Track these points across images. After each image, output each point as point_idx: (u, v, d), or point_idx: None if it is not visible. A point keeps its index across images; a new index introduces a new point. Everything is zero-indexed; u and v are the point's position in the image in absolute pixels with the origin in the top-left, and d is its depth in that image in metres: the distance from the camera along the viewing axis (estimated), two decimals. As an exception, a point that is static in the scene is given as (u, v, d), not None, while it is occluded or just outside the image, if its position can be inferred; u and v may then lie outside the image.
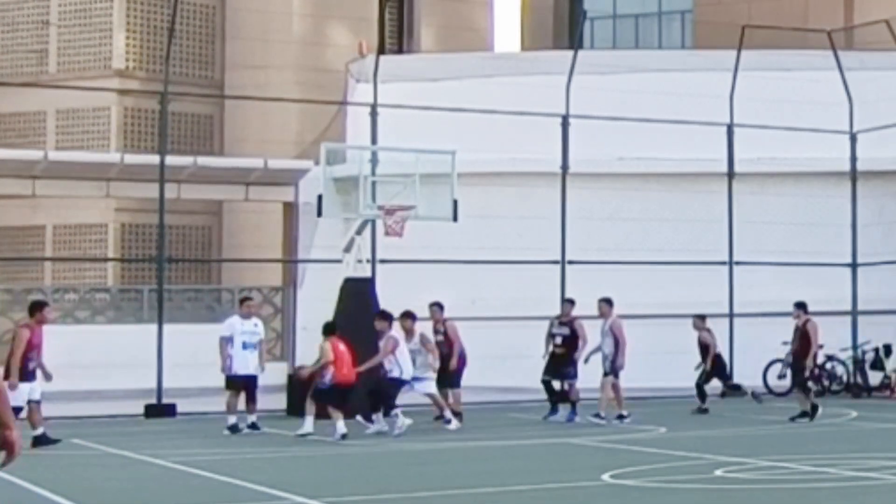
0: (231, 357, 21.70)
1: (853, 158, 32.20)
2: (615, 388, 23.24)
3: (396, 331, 21.87)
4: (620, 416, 23.08)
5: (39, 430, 19.55)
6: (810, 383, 24.67)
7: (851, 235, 32.02)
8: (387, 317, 22.17)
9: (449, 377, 23.49)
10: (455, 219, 25.08)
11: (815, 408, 23.04)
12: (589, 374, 23.95)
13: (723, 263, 30.90)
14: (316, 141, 30.43)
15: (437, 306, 23.98)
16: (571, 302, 24.39)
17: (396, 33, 45.13)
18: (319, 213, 25.10)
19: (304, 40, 41.55)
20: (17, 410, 18.93)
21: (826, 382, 29.80)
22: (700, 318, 25.54)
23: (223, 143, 41.25)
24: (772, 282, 31.17)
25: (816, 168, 32.42)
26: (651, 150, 31.28)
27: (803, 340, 23.27)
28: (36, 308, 19.86)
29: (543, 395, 27.15)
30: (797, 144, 31.69)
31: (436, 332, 23.74)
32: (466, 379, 24.23)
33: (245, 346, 21.81)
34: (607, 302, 23.62)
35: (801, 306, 23.56)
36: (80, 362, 22.57)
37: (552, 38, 49.43)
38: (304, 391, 22.09)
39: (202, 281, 38.73)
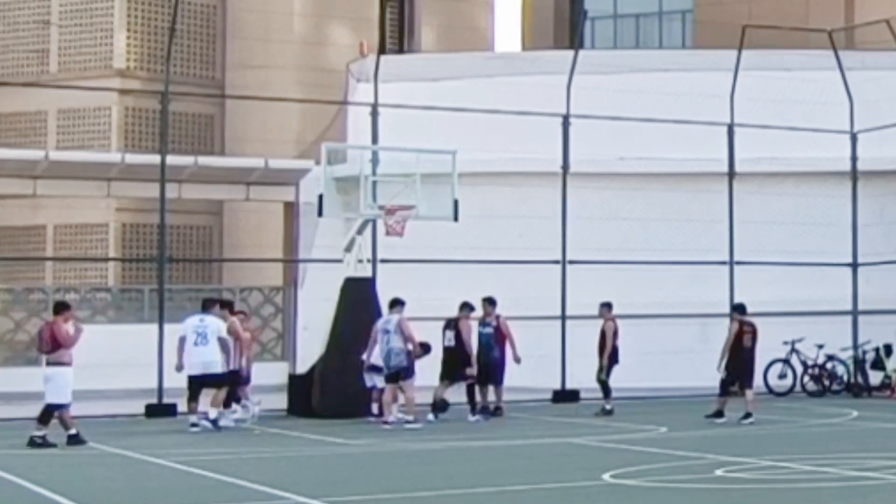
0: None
1: (854, 158, 32.19)
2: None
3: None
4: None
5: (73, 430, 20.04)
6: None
7: (852, 235, 32.00)
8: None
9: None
10: (456, 219, 25.09)
11: (719, 413, 22.89)
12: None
13: (723, 263, 30.88)
14: (317, 141, 30.46)
15: (488, 302, 24.73)
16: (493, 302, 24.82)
17: (397, 33, 45.14)
18: (320, 213, 25.11)
19: (304, 40, 41.58)
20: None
21: (827, 382, 29.80)
22: None
23: (224, 142, 41.29)
24: (772, 282, 31.15)
25: (817, 168, 32.41)
26: (652, 149, 31.27)
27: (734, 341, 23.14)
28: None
29: (543, 395, 27.28)
30: (798, 144, 31.67)
31: (484, 325, 24.57)
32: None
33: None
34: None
35: (737, 309, 23.56)
36: (80, 362, 22.46)
37: (553, 38, 49.43)
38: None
39: (203, 281, 38.76)
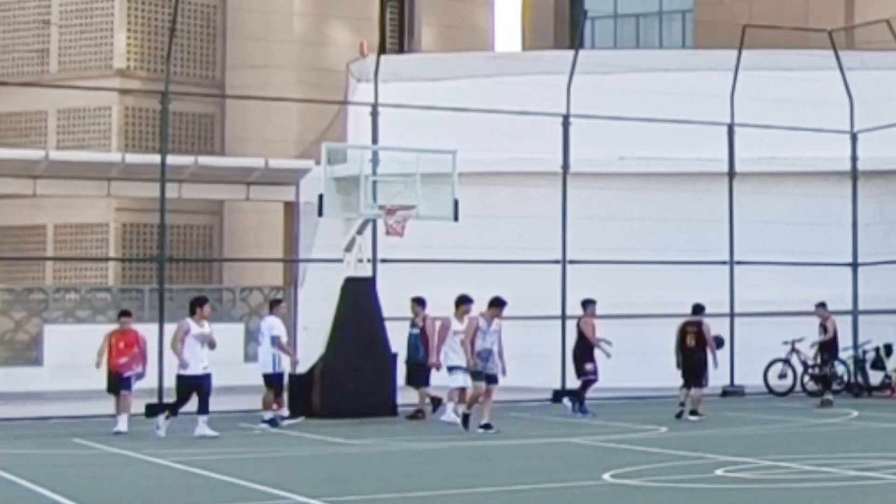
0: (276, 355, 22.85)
1: (854, 158, 32.20)
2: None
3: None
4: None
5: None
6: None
7: (852, 235, 32.01)
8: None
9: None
10: (456, 218, 25.08)
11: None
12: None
13: (723, 263, 30.89)
14: (317, 140, 30.46)
15: (417, 302, 24.44)
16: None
17: (397, 33, 45.15)
18: (320, 213, 25.11)
19: (305, 40, 41.58)
20: None
21: (827, 382, 29.79)
22: None
23: (224, 142, 41.30)
24: (772, 282, 31.17)
25: (817, 168, 32.42)
26: (652, 149, 31.28)
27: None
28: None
29: (544, 395, 27.24)
30: (798, 144, 31.68)
31: (413, 325, 24.29)
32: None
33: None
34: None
35: (702, 309, 24.41)
36: (80, 362, 22.53)
37: (553, 38, 49.43)
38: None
39: (203, 280, 38.76)
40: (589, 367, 24.52)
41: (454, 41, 43.51)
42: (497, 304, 21.68)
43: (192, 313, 21.07)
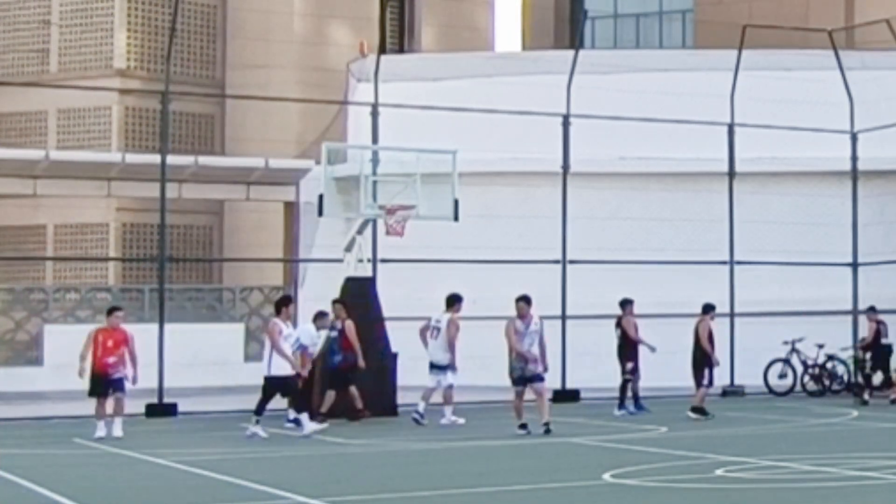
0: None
1: (854, 158, 32.19)
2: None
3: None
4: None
5: None
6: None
7: (852, 235, 32.01)
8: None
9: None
10: (456, 218, 25.09)
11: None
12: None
13: (723, 263, 30.89)
14: (317, 140, 30.48)
15: (342, 304, 23.86)
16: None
17: (397, 33, 45.17)
18: (320, 213, 25.12)
19: (305, 40, 41.62)
20: None
21: (827, 382, 29.79)
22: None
23: (224, 142, 41.32)
24: (772, 281, 31.17)
25: (817, 167, 32.43)
26: (652, 149, 31.30)
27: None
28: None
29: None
30: (798, 144, 31.69)
31: (332, 328, 23.49)
32: (468, 378, 24.30)
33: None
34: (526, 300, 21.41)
35: (707, 309, 24.72)
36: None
37: (553, 38, 49.45)
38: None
39: (203, 280, 38.79)
40: (628, 366, 24.85)
41: (454, 41, 43.55)
42: (523, 300, 20.98)
43: (278, 313, 20.72)
